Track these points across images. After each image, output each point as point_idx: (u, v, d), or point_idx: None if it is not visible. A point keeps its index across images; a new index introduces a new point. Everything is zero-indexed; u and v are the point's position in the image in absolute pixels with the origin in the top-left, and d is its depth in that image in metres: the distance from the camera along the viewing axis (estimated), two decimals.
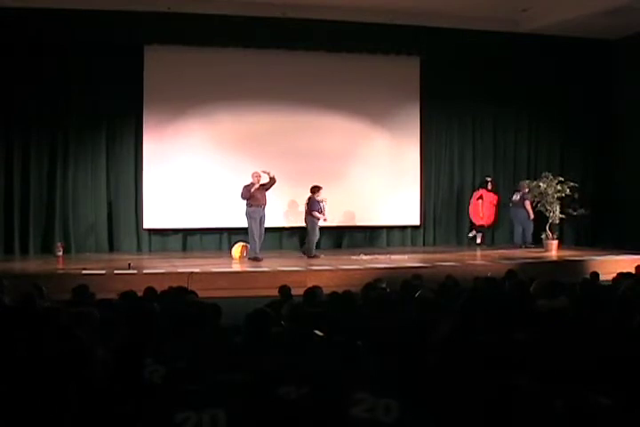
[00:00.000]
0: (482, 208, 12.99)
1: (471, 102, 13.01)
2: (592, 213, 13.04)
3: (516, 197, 12.55)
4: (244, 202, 10.63)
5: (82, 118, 11.52)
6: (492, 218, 13.18)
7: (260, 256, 10.51)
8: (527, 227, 12.47)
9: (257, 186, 10.57)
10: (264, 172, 10.65)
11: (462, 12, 11.92)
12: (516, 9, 11.98)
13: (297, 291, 6.54)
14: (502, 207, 13.24)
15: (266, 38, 11.78)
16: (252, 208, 10.55)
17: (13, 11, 10.59)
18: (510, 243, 12.92)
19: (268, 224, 10.93)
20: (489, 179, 13.10)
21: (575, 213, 12.42)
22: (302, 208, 11.45)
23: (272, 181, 10.67)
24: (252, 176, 10.64)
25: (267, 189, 10.70)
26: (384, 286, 6.78)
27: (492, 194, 13.10)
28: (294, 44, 12.06)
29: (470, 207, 13.08)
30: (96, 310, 4.43)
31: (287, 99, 12.24)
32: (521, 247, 12.28)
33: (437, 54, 12.63)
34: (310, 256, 10.95)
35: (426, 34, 12.38)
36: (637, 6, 10.97)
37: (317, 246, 12.45)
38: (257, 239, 10.60)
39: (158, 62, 11.77)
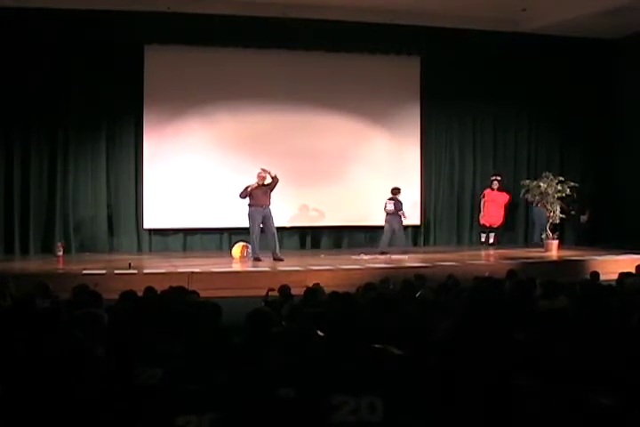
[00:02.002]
0: (484, 208, 12.98)
1: (471, 102, 13.00)
2: (593, 215, 13.05)
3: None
4: (246, 202, 10.57)
5: (82, 118, 11.51)
6: (498, 218, 13.08)
7: (260, 256, 10.47)
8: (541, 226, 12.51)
9: (255, 185, 10.48)
10: (263, 170, 10.56)
11: (462, 12, 11.92)
12: (516, 9, 11.97)
13: (297, 291, 6.54)
14: (513, 207, 13.25)
15: (266, 38, 11.77)
16: (252, 208, 10.50)
17: (13, 11, 10.60)
18: (528, 242, 13.00)
19: None
20: (493, 178, 13.08)
21: (573, 213, 12.45)
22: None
23: (274, 180, 10.57)
24: (257, 176, 10.57)
25: (271, 189, 10.58)
26: (392, 286, 6.80)
27: (498, 193, 13.04)
28: (294, 44, 12.06)
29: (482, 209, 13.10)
30: (102, 311, 4.42)
31: (287, 99, 12.24)
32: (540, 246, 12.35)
33: (437, 54, 12.64)
34: (385, 253, 11.36)
35: (426, 34, 12.39)
36: (637, 6, 10.97)
37: (318, 246, 12.53)
38: (256, 240, 10.52)
39: (158, 62, 11.77)
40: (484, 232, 13.12)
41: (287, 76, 12.21)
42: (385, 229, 11.75)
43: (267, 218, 10.56)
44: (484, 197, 13.01)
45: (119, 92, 11.62)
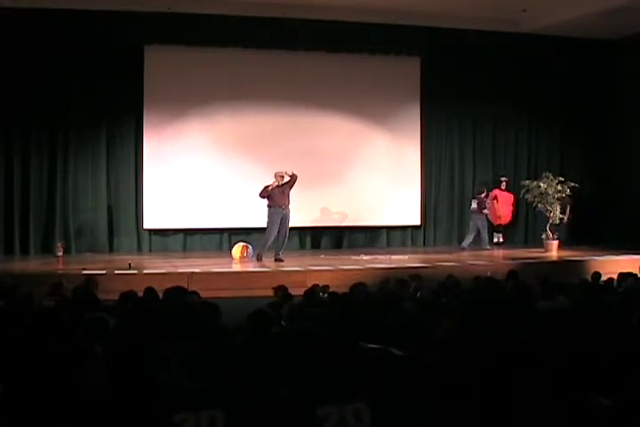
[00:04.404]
0: (499, 208, 13.03)
1: (471, 102, 12.99)
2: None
3: None
4: (264, 203, 10.36)
5: (82, 118, 11.51)
6: (509, 217, 13.24)
7: (262, 257, 10.38)
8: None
9: (274, 185, 10.26)
10: (276, 174, 10.31)
11: (462, 12, 11.93)
12: (516, 9, 11.98)
13: (297, 291, 6.53)
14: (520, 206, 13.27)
15: (266, 38, 11.77)
16: (271, 209, 10.28)
17: (13, 11, 10.60)
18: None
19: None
20: (503, 179, 13.17)
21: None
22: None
23: (292, 177, 10.29)
24: (275, 176, 10.34)
25: (290, 187, 10.31)
26: (391, 286, 6.81)
27: (506, 193, 13.16)
28: (294, 44, 12.06)
29: (489, 209, 13.07)
30: (105, 314, 4.42)
31: (287, 99, 12.23)
32: None
33: (437, 54, 12.63)
34: (464, 249, 12.05)
35: (426, 34, 12.39)
36: (637, 6, 10.97)
37: (318, 246, 12.52)
38: (269, 240, 10.35)
39: (158, 62, 11.76)
40: (497, 231, 13.15)
41: (287, 77, 12.21)
42: (470, 227, 12.31)
43: (284, 219, 10.32)
44: (495, 197, 13.02)
45: (119, 92, 11.61)
